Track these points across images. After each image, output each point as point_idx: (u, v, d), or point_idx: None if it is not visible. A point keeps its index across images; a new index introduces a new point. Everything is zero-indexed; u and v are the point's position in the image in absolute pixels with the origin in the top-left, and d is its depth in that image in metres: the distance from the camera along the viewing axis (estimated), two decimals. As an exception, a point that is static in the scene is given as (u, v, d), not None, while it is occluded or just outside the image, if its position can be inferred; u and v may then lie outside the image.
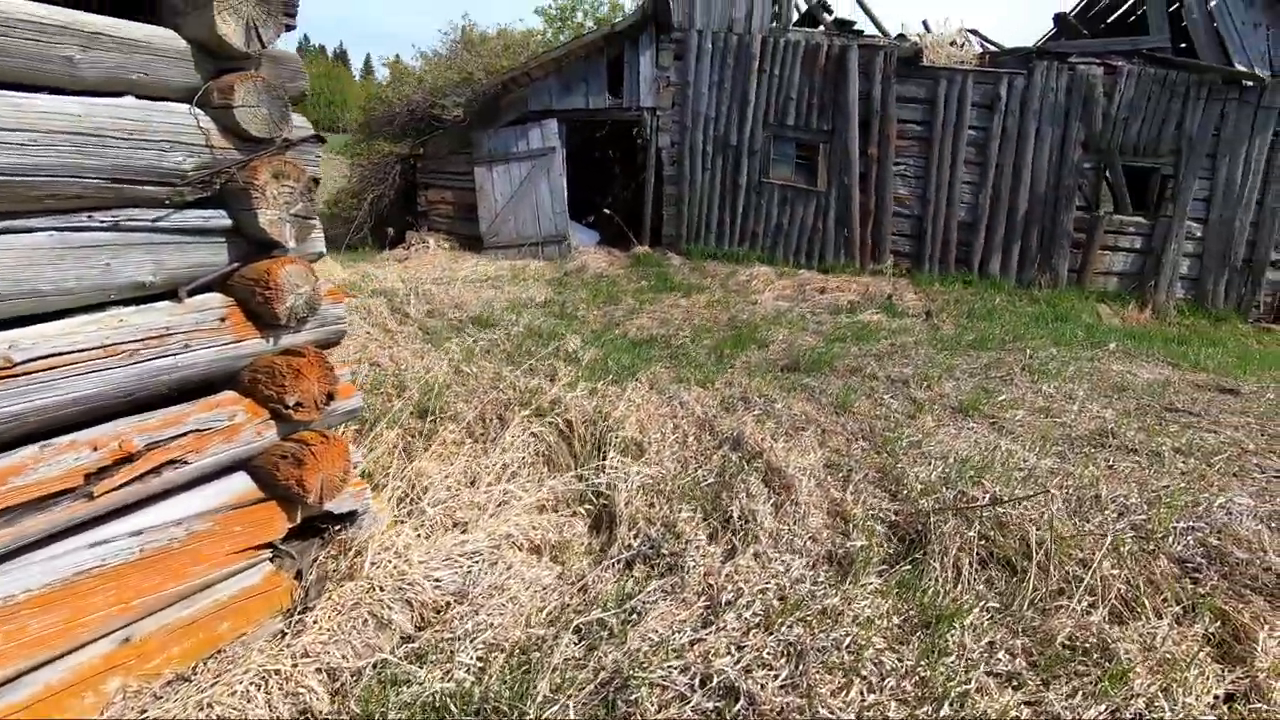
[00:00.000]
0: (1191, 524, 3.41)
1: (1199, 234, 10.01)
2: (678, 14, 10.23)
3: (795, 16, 10.97)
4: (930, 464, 4.12)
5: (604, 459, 4.08)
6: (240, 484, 2.52)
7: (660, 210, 11.22)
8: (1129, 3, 11.05)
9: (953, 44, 11.27)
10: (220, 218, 2.36)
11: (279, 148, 2.45)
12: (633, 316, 8.34)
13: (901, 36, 10.40)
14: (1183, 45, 9.98)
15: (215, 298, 2.40)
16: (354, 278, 9.84)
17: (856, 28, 10.65)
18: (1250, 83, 9.37)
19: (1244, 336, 9.62)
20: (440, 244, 11.89)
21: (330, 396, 2.63)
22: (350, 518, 2.97)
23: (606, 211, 11.72)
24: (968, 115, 10.04)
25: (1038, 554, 3.09)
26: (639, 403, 4.87)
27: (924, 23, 12.72)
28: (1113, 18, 11.53)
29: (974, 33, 11.72)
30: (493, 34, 12.61)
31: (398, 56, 12.59)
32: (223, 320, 2.40)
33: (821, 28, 10.41)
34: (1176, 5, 9.86)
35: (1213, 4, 9.38)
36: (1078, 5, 11.68)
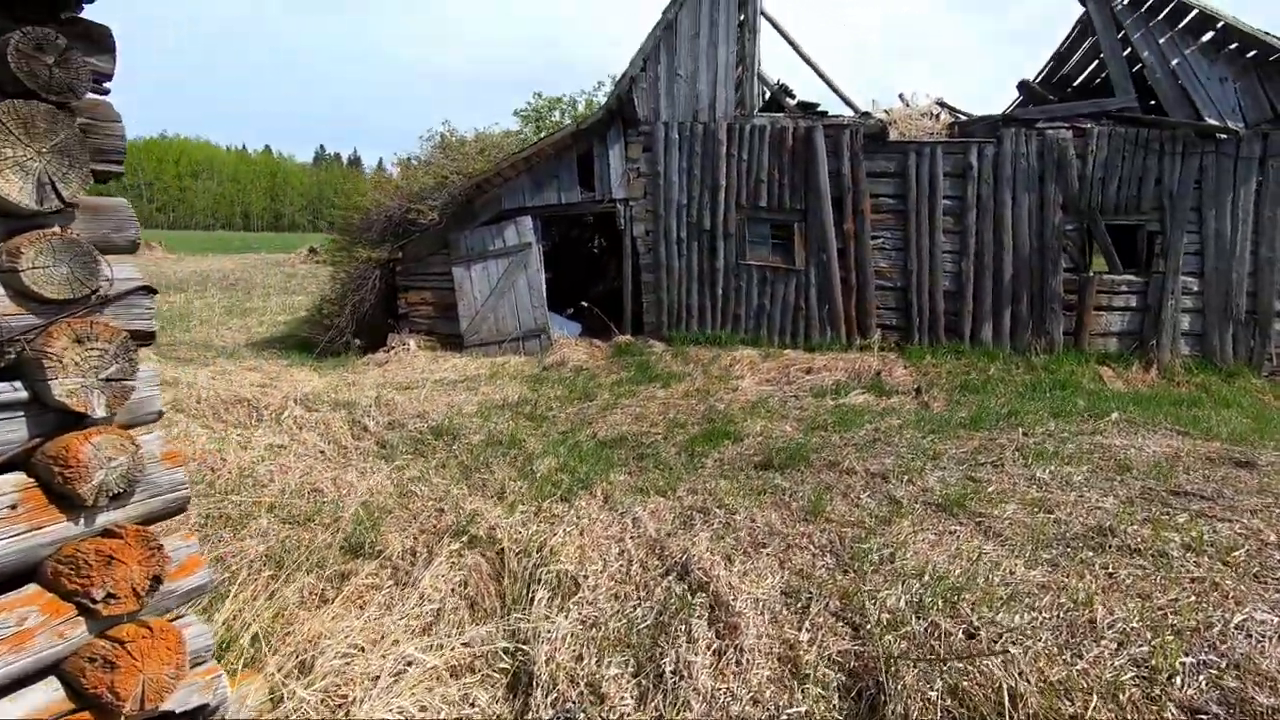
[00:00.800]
0: (1204, 656, 2.90)
1: (1196, 288, 9.64)
2: (642, 108, 10.38)
3: (759, 103, 11.12)
4: (902, 584, 3.65)
5: (533, 599, 3.65)
6: (41, 697, 2.13)
7: (640, 298, 11.08)
8: (1091, 67, 11.12)
9: (924, 116, 11.31)
10: (13, 391, 2.09)
11: (92, 306, 2.21)
12: (606, 413, 8.01)
13: (867, 114, 10.45)
14: (1152, 103, 9.91)
15: (7, 481, 2.09)
16: (327, 386, 9.65)
17: (821, 108, 10.73)
18: (1225, 135, 9.21)
19: (1259, 393, 9.08)
20: (421, 345, 11.76)
21: (157, 580, 2.28)
22: (202, 712, 2.55)
23: (585, 304, 11.59)
24: (941, 185, 9.94)
25: (1017, 713, 2.59)
26: (585, 524, 4.46)
27: (900, 96, 12.86)
28: (1078, 82, 11.59)
29: (943, 104, 11.79)
30: (470, 137, 12.94)
31: (409, 159, 12.89)
32: (14, 508, 2.08)
33: (785, 112, 10.50)
34: (1139, 67, 9.86)
35: (1175, 63, 9.36)
36: (1041, 73, 11.79)
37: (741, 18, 10.13)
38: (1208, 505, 4.75)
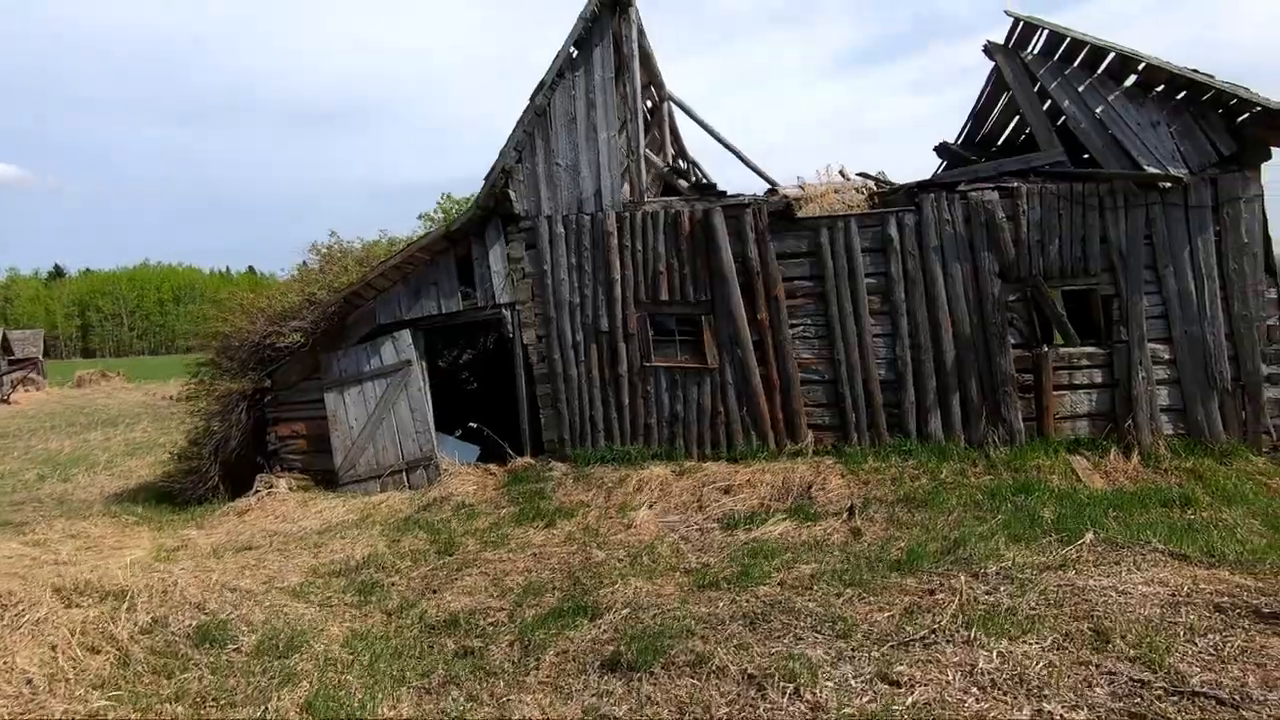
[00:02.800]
0: None
1: (1167, 356, 8.29)
2: (521, 203, 9.27)
3: (657, 188, 10.08)
4: None
5: None
6: None
7: (538, 413, 9.59)
8: (1013, 124, 10.22)
9: (846, 189, 10.24)
10: None
11: None
12: (459, 574, 6.34)
13: (773, 190, 9.39)
14: (1086, 156, 8.89)
15: None
16: (150, 553, 7.97)
17: (721, 189, 9.66)
18: (1169, 184, 8.12)
19: (1263, 476, 7.55)
20: (295, 485, 10.13)
21: None
22: None
23: (474, 425, 10.09)
24: (860, 262, 8.72)
25: None
26: None
27: (841, 171, 11.85)
28: (1001, 140, 10.68)
29: (867, 175, 10.78)
30: (358, 247, 11.80)
31: (264, 279, 11.76)
32: None
33: (679, 195, 9.41)
34: (1064, 119, 8.90)
35: (1099, 110, 8.39)
36: (961, 134, 10.91)
37: (621, 99, 9.19)
38: (1234, 714, 3.13)
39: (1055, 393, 8.47)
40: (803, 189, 9.95)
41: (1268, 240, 8.11)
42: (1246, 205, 8.06)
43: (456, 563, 6.65)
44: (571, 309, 9.29)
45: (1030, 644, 3.96)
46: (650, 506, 7.74)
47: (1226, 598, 4.40)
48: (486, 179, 9.12)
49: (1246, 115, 7.91)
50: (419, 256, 9.54)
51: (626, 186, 9.24)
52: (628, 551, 6.40)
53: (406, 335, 9.74)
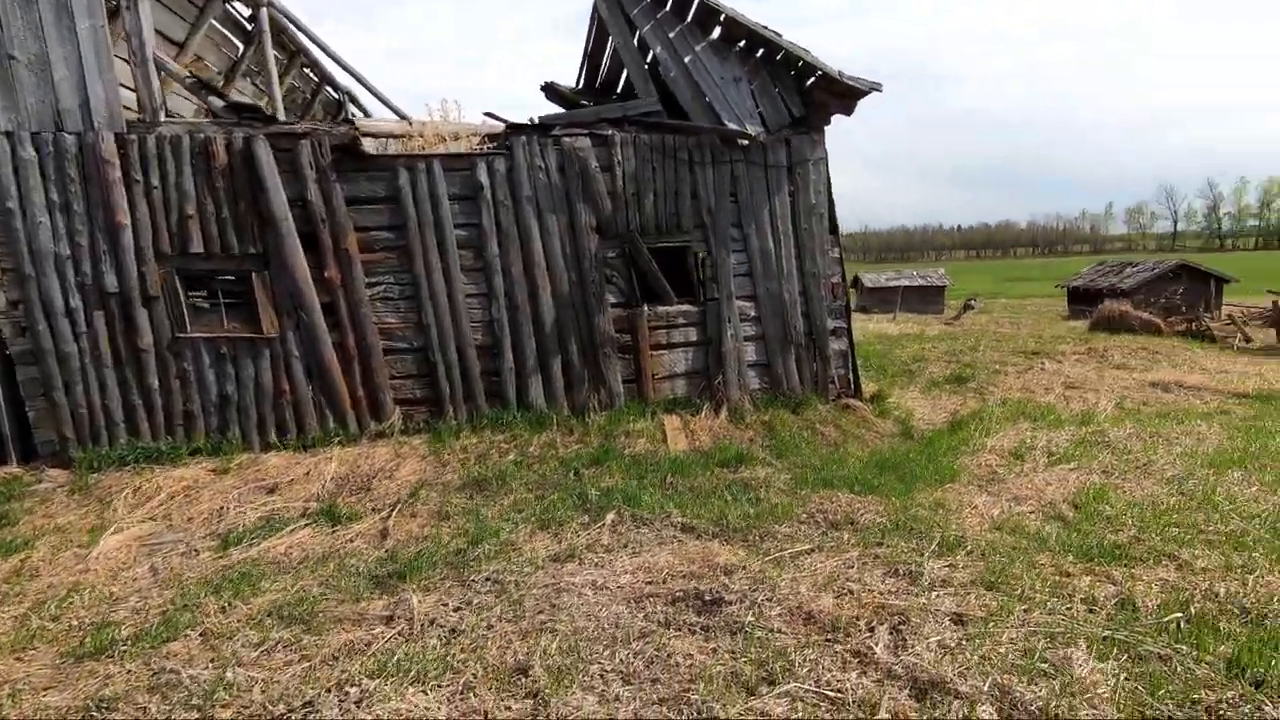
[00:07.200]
0: None
1: (753, 313, 8.52)
2: (-43, 110, 6.53)
3: (191, 108, 7.90)
4: None
5: None
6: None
7: (21, 405, 7.08)
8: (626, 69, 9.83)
9: (457, 138, 8.88)
10: None
11: None
12: None
13: (347, 120, 7.84)
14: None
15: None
16: None
17: (271, 113, 7.82)
18: (746, 142, 8.18)
19: (823, 423, 8.09)
20: None
21: None
22: None
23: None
24: (448, 212, 7.61)
25: None
26: None
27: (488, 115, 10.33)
28: (619, 88, 10.31)
29: (493, 115, 9.61)
30: None
31: None
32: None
33: (212, 117, 7.39)
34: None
35: (688, 60, 8.15)
36: (579, 78, 10.34)
37: (116, -22, 6.82)
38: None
39: (654, 353, 8.27)
40: (410, 123, 8.50)
41: (831, 201, 8.60)
42: (814, 166, 8.43)
43: None
44: (60, 263, 6.87)
45: (426, 695, 3.14)
46: (114, 533, 5.92)
47: (692, 583, 4.07)
48: (-123, 69, 6.19)
49: (812, 79, 8.17)
50: None
51: (133, 101, 6.97)
52: (40, 600, 4.61)
53: None
